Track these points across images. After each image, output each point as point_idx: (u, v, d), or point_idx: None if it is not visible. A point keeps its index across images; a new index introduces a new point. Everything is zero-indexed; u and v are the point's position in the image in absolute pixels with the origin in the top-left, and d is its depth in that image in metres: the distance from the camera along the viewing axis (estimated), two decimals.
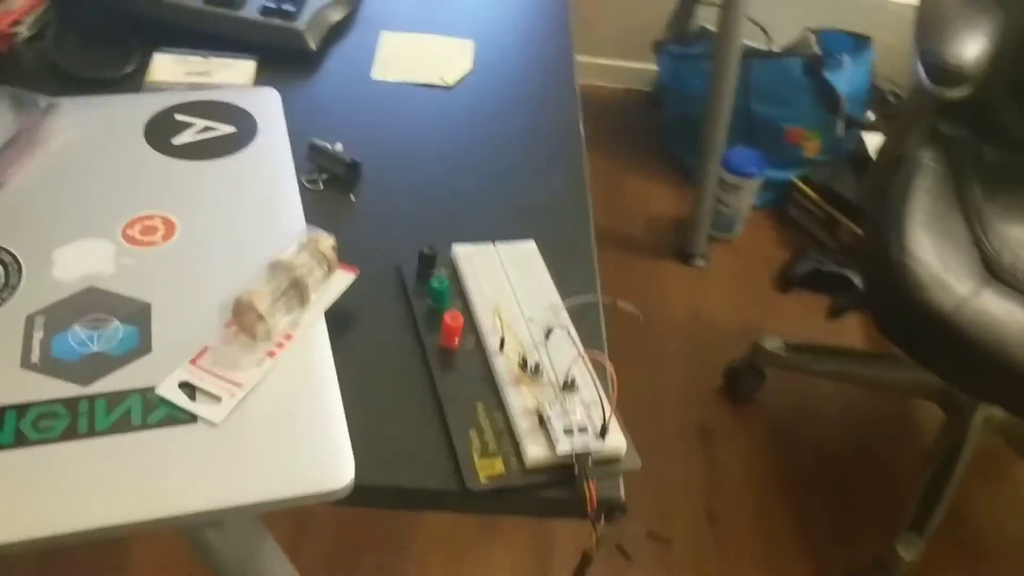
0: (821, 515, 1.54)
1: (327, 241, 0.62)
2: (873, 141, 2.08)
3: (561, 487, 0.58)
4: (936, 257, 1.23)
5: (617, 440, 0.59)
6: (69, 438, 0.53)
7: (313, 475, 0.53)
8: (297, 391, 0.57)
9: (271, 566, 0.74)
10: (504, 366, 0.62)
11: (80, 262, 0.63)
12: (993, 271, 1.23)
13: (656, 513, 1.49)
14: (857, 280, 1.96)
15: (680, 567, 1.42)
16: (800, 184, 2.08)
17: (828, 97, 2.00)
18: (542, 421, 0.59)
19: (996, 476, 1.65)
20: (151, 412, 0.55)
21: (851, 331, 1.87)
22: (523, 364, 0.61)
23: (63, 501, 0.50)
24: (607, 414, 0.58)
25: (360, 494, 0.55)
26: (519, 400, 0.60)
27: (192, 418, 0.55)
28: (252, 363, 0.58)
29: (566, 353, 0.63)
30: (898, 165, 1.37)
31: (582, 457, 0.57)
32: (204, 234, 0.66)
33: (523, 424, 0.59)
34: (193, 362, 0.58)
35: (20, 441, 0.53)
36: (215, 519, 0.52)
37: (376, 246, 0.71)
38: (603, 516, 0.57)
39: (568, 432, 0.58)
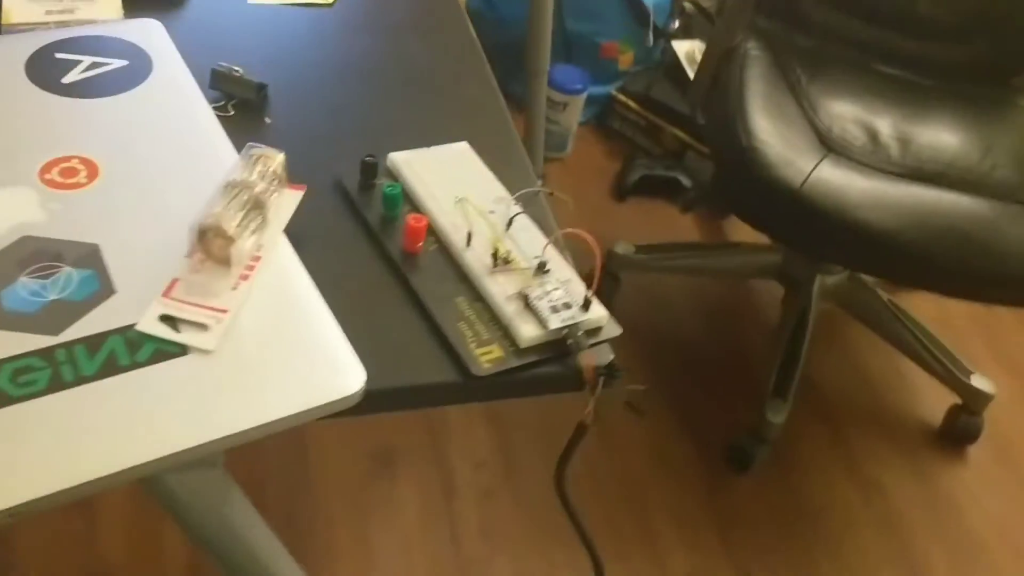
0: (692, 401, 1.64)
1: (278, 157, 0.60)
2: (681, 48, 2.18)
3: (556, 362, 0.59)
4: (779, 138, 1.32)
5: (599, 311, 0.61)
6: (57, 389, 0.50)
7: (324, 384, 0.52)
8: (283, 308, 0.56)
9: (241, 518, 0.71)
10: (475, 259, 0.63)
11: (2, 213, 0.58)
12: (827, 144, 1.34)
13: (536, 421, 1.54)
14: (685, 180, 2.07)
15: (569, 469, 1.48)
16: (620, 96, 2.16)
17: (638, 10, 2.08)
18: (526, 305, 0.60)
19: (833, 339, 1.82)
20: (138, 350, 0.52)
21: (688, 229, 1.98)
22: (495, 255, 0.62)
23: (69, 452, 0.47)
24: (592, 288, 0.60)
25: (370, 399, 0.54)
26: (498, 288, 0.61)
27: (183, 350, 0.52)
28: (227, 288, 0.56)
29: (531, 239, 0.64)
30: (728, 59, 1.45)
31: (573, 329, 0.59)
32: (131, 169, 0.62)
33: (509, 309, 0.60)
34: (166, 295, 0.55)
35: (2, 400, 0.49)
36: (230, 445, 0.50)
37: (304, 164, 0.69)
38: (601, 382, 0.59)
39: (554, 309, 0.60)
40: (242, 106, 0.74)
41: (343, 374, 0.53)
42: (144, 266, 0.56)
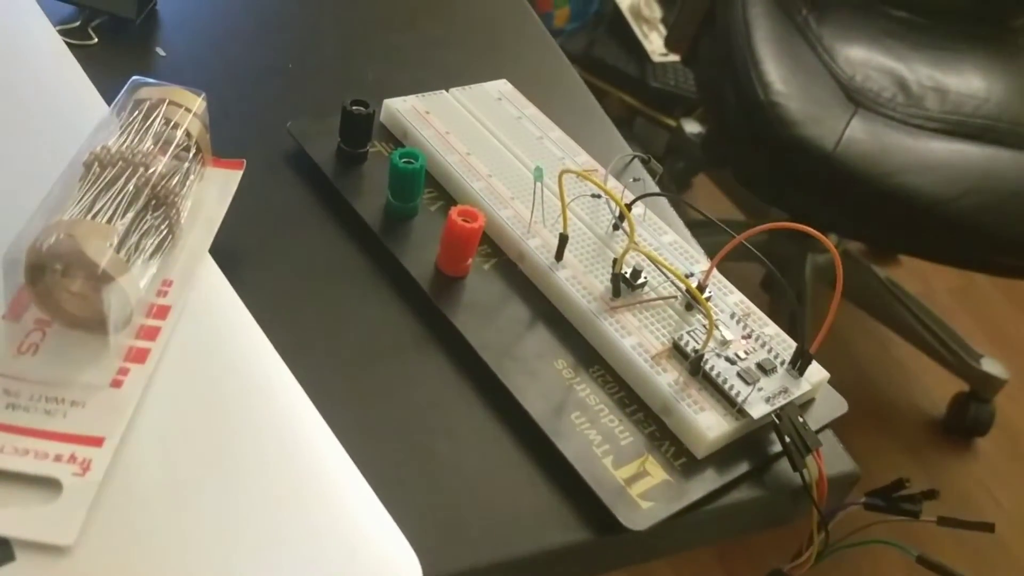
0: None
1: (194, 103, 0.30)
2: (624, 1, 1.92)
3: (754, 477, 0.31)
4: (800, 91, 1.07)
5: (818, 373, 0.33)
6: None
7: None
8: (231, 424, 0.25)
9: None
10: (577, 285, 0.33)
11: None
12: (853, 97, 1.10)
13: None
14: (639, 152, 1.81)
15: None
16: None
17: None
18: (693, 372, 0.32)
19: (820, 323, 1.59)
20: None
21: None
22: (617, 274, 0.33)
23: None
24: (820, 335, 0.32)
25: None
26: (634, 342, 0.32)
27: (3, 550, 0.22)
28: (100, 385, 0.25)
29: (662, 243, 0.36)
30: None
31: (787, 413, 0.31)
32: None
33: (663, 383, 0.31)
34: None
35: None
36: None
37: (230, 124, 0.38)
38: (845, 509, 0.31)
39: (745, 379, 0.31)
40: (114, 29, 0.42)
41: (377, 570, 0.23)
42: None
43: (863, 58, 1.16)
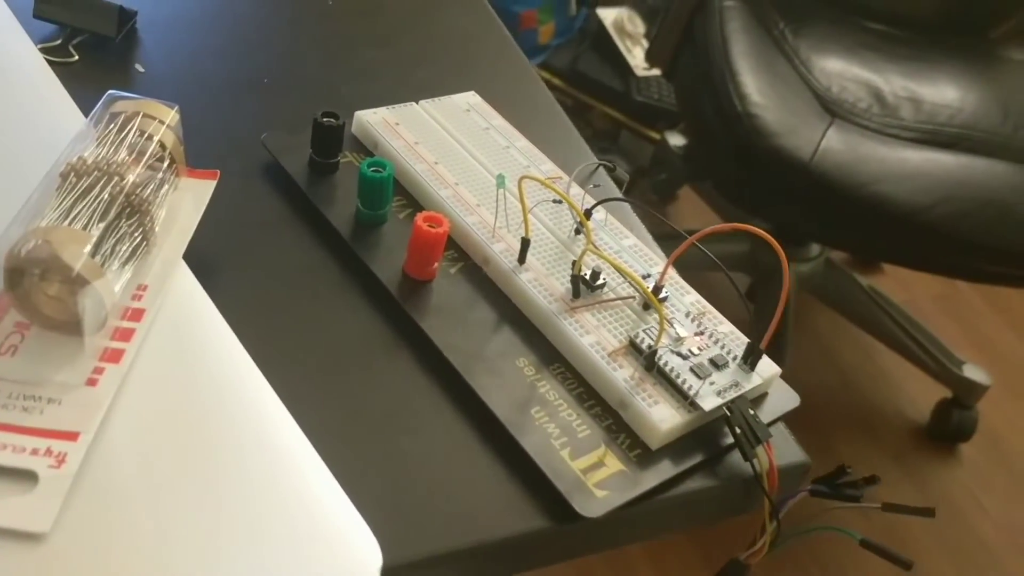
0: None
1: (168, 115, 0.31)
2: (608, 17, 1.94)
3: (707, 468, 0.33)
4: (777, 102, 1.09)
5: (769, 368, 0.34)
6: None
7: None
8: (201, 422, 0.27)
9: None
10: (539, 286, 0.35)
11: None
12: (830, 108, 1.12)
13: None
14: (621, 164, 1.83)
15: None
16: (543, 73, 1.90)
17: None
18: (648, 368, 0.33)
19: (805, 332, 1.61)
20: None
21: None
22: (576, 276, 0.35)
23: None
24: (770, 330, 0.33)
25: None
26: (593, 339, 0.33)
27: None
28: (76, 383, 0.27)
29: (622, 248, 0.37)
30: (700, 12, 1.21)
31: (738, 405, 0.32)
32: None
33: (619, 378, 0.32)
34: None
35: None
36: None
37: (206, 137, 0.39)
38: (794, 498, 0.33)
39: (698, 373, 0.33)
40: (94, 47, 0.44)
41: (340, 555, 0.25)
42: None
43: (839, 69, 1.18)
